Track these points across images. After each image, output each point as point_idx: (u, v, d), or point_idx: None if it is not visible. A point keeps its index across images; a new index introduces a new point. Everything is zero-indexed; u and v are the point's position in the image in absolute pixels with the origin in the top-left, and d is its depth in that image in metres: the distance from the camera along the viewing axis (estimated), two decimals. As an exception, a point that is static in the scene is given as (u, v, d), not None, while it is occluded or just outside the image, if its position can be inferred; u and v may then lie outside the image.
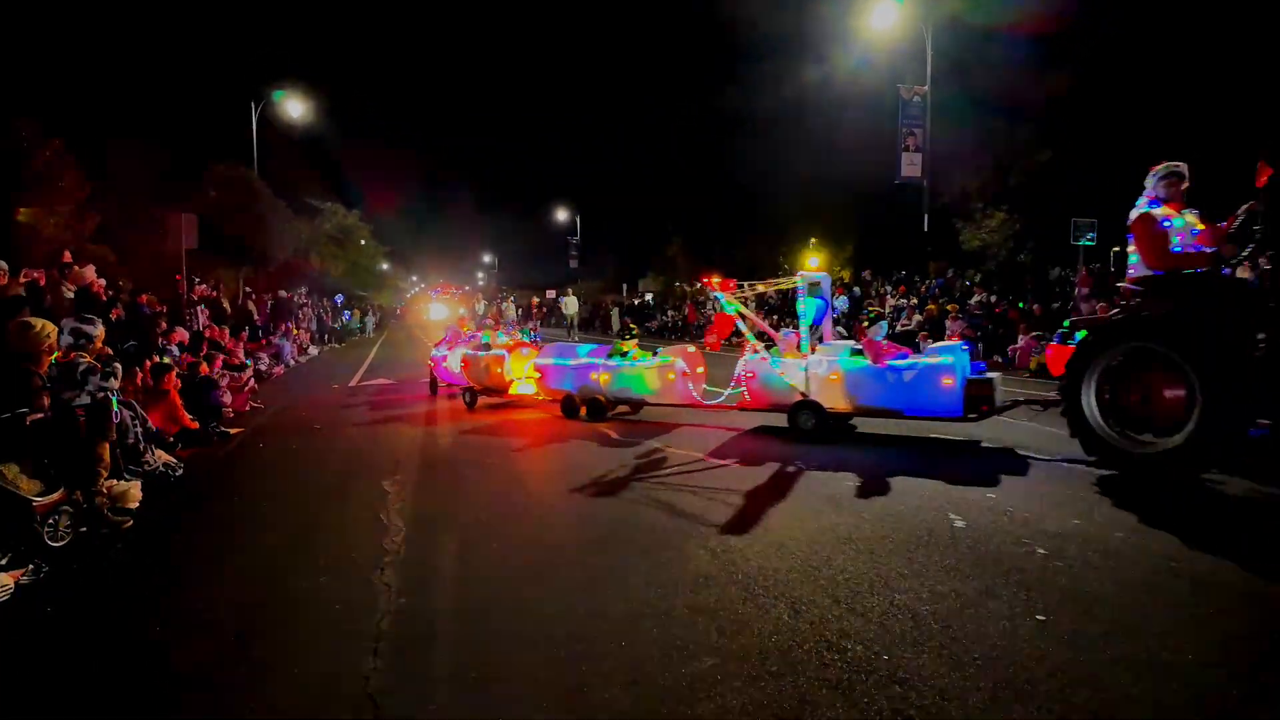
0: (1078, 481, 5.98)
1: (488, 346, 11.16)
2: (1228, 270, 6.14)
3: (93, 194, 18.30)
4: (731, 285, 8.93)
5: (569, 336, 26.83)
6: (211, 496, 6.57)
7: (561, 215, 55.67)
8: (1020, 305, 17.15)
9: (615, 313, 35.56)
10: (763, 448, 7.56)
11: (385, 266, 51.21)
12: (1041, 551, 4.34)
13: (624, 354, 9.64)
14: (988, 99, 23.92)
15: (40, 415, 5.08)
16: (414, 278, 75.21)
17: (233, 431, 9.27)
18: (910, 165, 22.93)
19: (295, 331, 22.02)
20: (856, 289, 24.14)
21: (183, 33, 30.86)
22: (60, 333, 5.79)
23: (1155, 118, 23.45)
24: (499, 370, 10.67)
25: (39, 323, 5.41)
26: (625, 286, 49.63)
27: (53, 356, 5.50)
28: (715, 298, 10.28)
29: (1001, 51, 23.37)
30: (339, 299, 35.07)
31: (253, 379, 12.24)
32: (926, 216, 23.33)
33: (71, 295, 9.81)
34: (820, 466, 6.65)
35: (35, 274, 9.92)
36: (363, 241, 41.39)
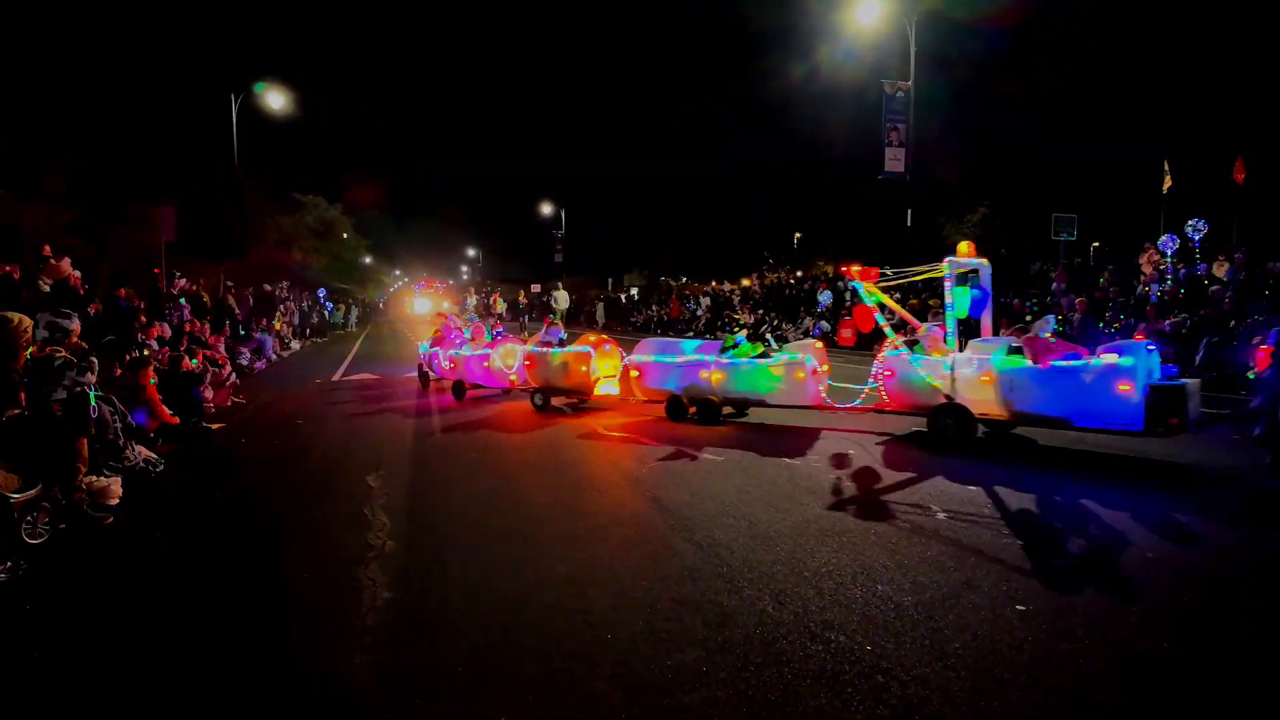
0: (1059, 475, 6.07)
1: (564, 342, 10.23)
2: None
3: (71, 188, 18.02)
4: (874, 274, 8.08)
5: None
6: (193, 493, 6.51)
7: (546, 209, 55.50)
8: (1000, 300, 17.32)
9: (600, 307, 35.53)
10: (748, 441, 7.59)
11: (368, 260, 50.85)
12: (1021, 543, 4.41)
13: (738, 349, 8.84)
14: (969, 93, 24.13)
15: (16, 411, 5.01)
16: (397, 271, 74.73)
17: (214, 427, 9.18)
18: (893, 160, 23.04)
19: (278, 325, 21.82)
20: (840, 283, 24.26)
21: (163, 25, 30.42)
22: (36, 326, 5.70)
23: (1135, 115, 23.74)
24: (583, 369, 9.52)
25: (15, 317, 5.33)
26: (610, 281, 49.62)
27: (28, 351, 5.42)
28: (853, 288, 9.30)
29: (982, 46, 23.57)
30: (322, 293, 34.78)
31: (234, 374, 12.12)
32: (909, 211, 23.47)
33: (49, 289, 9.67)
34: (804, 460, 6.70)
35: (8, 268, 9.77)
36: (344, 235, 41.05)
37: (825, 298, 22.78)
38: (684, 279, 41.29)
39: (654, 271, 45.86)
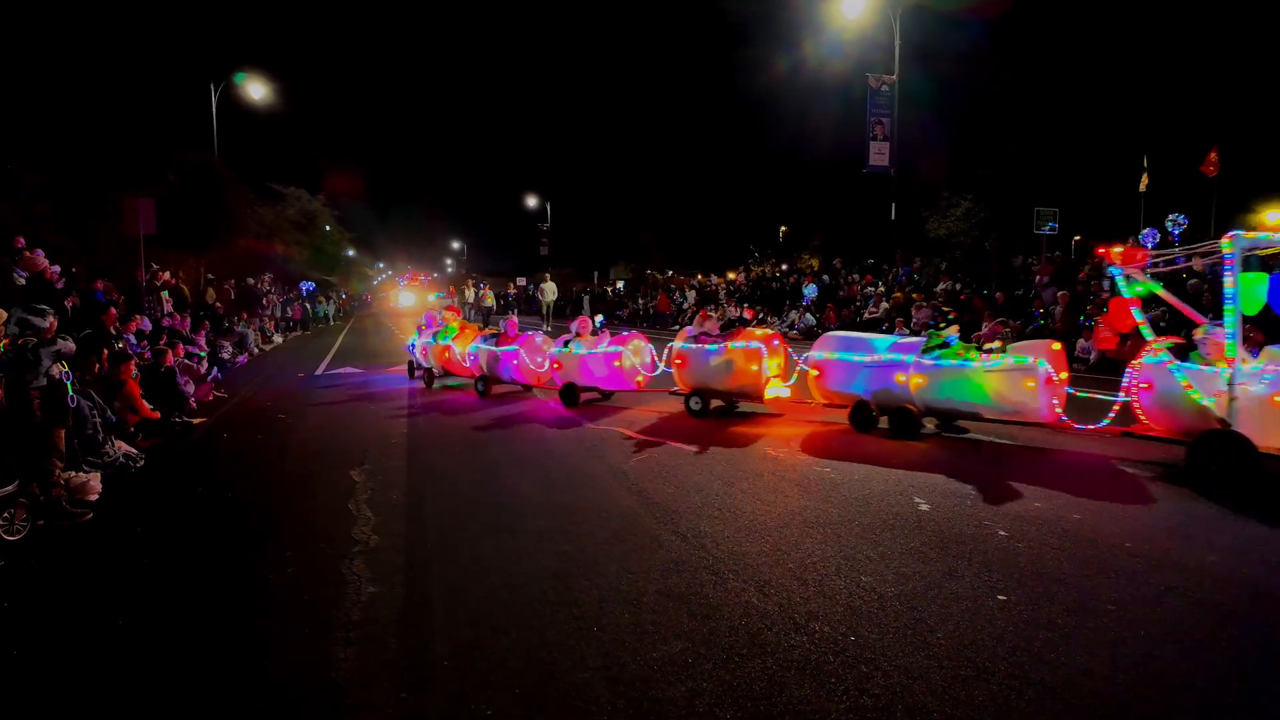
0: (1038, 466, 6.14)
1: (725, 338, 8.60)
2: None
3: (48, 180, 17.71)
4: (1141, 257, 6.34)
5: (545, 325, 26.23)
6: (174, 488, 6.45)
7: (531, 202, 55.27)
8: (984, 293, 17.47)
9: (585, 300, 35.46)
10: (732, 434, 7.62)
11: (351, 253, 50.39)
12: (1003, 534, 4.46)
13: (947, 350, 7.12)
14: (954, 88, 24.26)
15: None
16: (380, 264, 74.18)
17: (195, 421, 9.10)
18: (878, 154, 23.15)
19: (263, 318, 21.61)
20: (826, 276, 24.36)
21: (141, 14, 29.94)
22: (8, 322, 5.62)
23: (1113, 108, 23.96)
24: (753, 369, 8.16)
25: (-12, 310, 5.25)
26: (596, 274, 49.53)
27: (0, 345, 5.34)
28: (1111, 275, 6.96)
29: (966, 40, 23.69)
30: (311, 287, 34.43)
31: (216, 369, 12.00)
32: (894, 205, 23.59)
33: (24, 282, 9.52)
34: (788, 452, 6.74)
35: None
36: (327, 227, 40.64)
37: (810, 291, 22.86)
38: (670, 272, 41.29)
39: (640, 264, 45.82)
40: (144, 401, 8.12)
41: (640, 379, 9.66)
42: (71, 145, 19.68)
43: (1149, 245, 14.71)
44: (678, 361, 8.83)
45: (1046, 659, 3.01)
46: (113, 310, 10.57)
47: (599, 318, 10.89)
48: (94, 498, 5.63)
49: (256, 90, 26.13)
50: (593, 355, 9.56)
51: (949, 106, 24.84)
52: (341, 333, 28.03)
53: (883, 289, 20.72)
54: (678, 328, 25.39)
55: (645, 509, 5.16)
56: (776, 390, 8.38)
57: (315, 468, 6.83)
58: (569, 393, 9.63)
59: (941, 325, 7.60)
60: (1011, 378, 6.65)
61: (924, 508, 5.02)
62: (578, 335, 9.82)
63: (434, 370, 11.97)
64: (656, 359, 9.53)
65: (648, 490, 5.61)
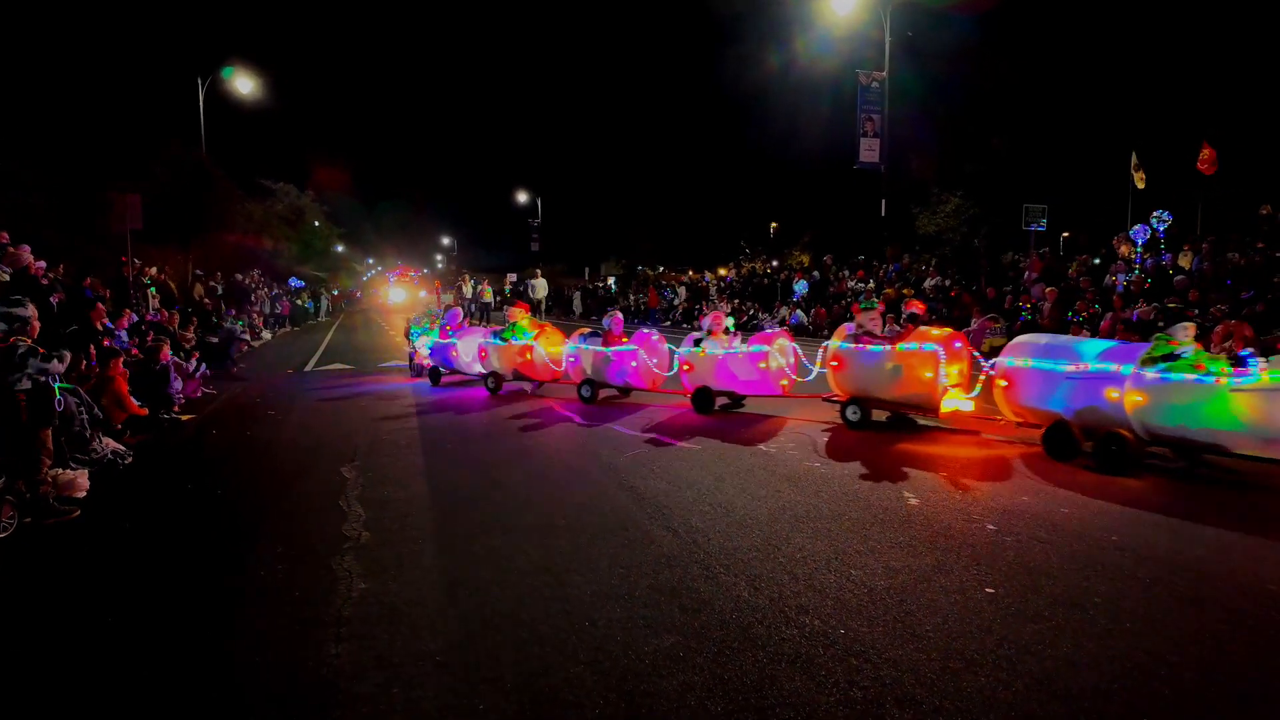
0: (1027, 461, 6.19)
1: (893, 338, 7.46)
2: None
3: (35, 174, 17.53)
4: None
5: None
6: (163, 485, 6.41)
7: (522, 198, 55.10)
8: (973, 289, 17.56)
9: (577, 296, 35.40)
10: (724, 431, 7.64)
11: (340, 249, 50.16)
12: (991, 527, 4.50)
13: (1178, 362, 5.65)
14: (944, 84, 24.35)
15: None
16: (370, 260, 73.87)
17: (184, 418, 9.05)
18: (868, 150, 23.19)
19: (252, 314, 21.48)
20: (816, 273, 24.42)
21: (128, 8, 29.64)
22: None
23: (1102, 104, 24.09)
24: (926, 375, 6.96)
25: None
26: (587, 270, 49.46)
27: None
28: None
29: (957, 36, 23.77)
30: (301, 283, 34.25)
31: (205, 365, 11.92)
32: (884, 201, 23.65)
33: (8, 278, 9.42)
34: (780, 449, 6.76)
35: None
36: (316, 223, 40.42)
37: (801, 287, 22.91)
38: (661, 268, 41.28)
39: (631, 260, 45.78)
40: (131, 399, 8.07)
41: (785, 383, 8.48)
42: (59, 140, 19.49)
43: (1139, 242, 14.84)
44: (834, 364, 7.68)
45: (1034, 651, 3.04)
46: (100, 306, 10.48)
47: (729, 319, 9.22)
48: (82, 495, 5.59)
49: (244, 84, 25.94)
50: (732, 356, 8.41)
51: (939, 103, 24.92)
52: (331, 329, 27.90)
53: (873, 285, 20.79)
54: (668, 324, 25.50)
55: (637, 505, 5.17)
56: (956, 402, 6.99)
57: (305, 464, 6.81)
58: (703, 398, 8.53)
59: (1168, 330, 5.96)
60: (1273, 401, 5.16)
61: (913, 502, 5.05)
62: (710, 333, 8.74)
63: (504, 374, 10.54)
64: (803, 359, 8.47)
65: (639, 486, 5.62)
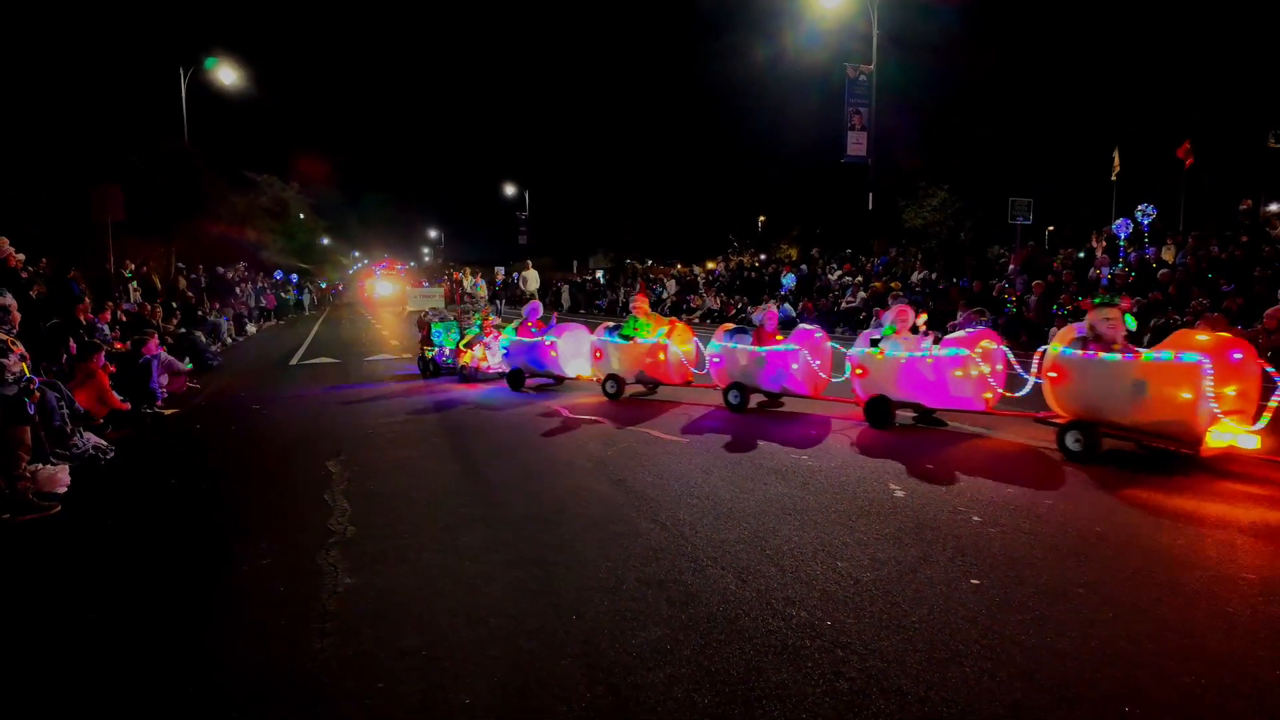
0: (1011, 453, 6.24)
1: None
2: None
3: (14, 165, 17.28)
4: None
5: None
6: (146, 480, 6.35)
7: (510, 191, 54.88)
8: (958, 282, 17.65)
9: (565, 290, 35.33)
10: (712, 424, 7.64)
11: (326, 241, 49.80)
12: (976, 519, 4.53)
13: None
14: (931, 77, 24.41)
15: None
16: (356, 253, 73.35)
17: (167, 413, 8.96)
18: (855, 144, 23.25)
19: (236, 307, 21.29)
20: (804, 266, 24.47)
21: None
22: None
23: (1088, 97, 24.23)
24: (1183, 396, 5.28)
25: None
26: (575, 263, 49.36)
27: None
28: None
29: (944, 29, 23.84)
30: (294, 277, 33.98)
31: (188, 359, 11.81)
32: (871, 195, 23.73)
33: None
34: (767, 441, 6.77)
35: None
36: (301, 215, 40.10)
37: (789, 281, 22.96)
38: (650, 261, 41.28)
39: (619, 254, 45.75)
40: (114, 393, 7.98)
41: (989, 395, 6.88)
42: (40, 132, 19.19)
43: (1121, 236, 14.97)
44: (1052, 374, 6.12)
45: (1018, 640, 3.06)
46: (86, 300, 10.36)
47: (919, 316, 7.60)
48: (62, 490, 5.53)
49: (228, 75, 25.65)
50: (919, 359, 6.96)
51: (926, 96, 25.02)
52: (317, 322, 27.70)
53: (860, 279, 20.86)
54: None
55: (624, 498, 5.16)
56: (1229, 435, 5.22)
57: (290, 459, 6.76)
58: (879, 410, 7.15)
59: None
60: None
61: (899, 494, 5.07)
62: (895, 331, 7.33)
63: (624, 377, 9.15)
64: (1017, 366, 6.78)
65: (627, 479, 5.62)
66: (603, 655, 3.05)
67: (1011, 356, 6.93)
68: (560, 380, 10.27)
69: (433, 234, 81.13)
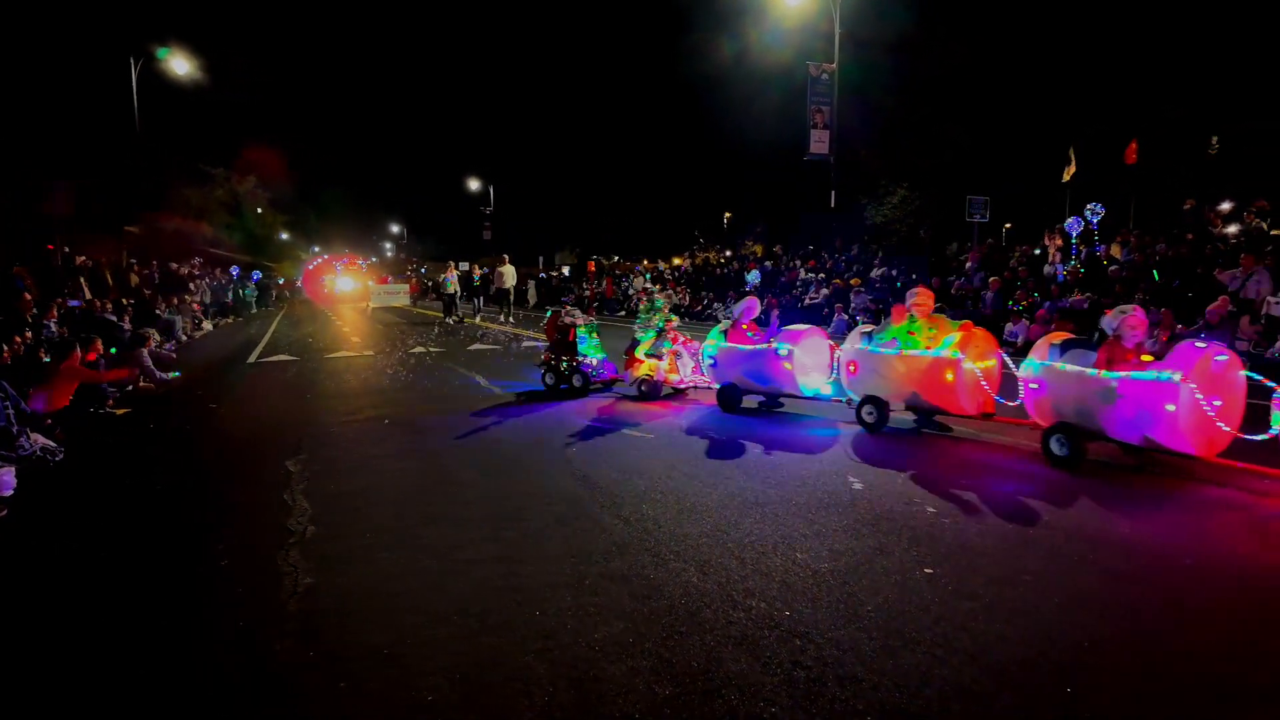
0: (965, 447, 6.40)
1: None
2: None
3: None
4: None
5: (503, 316, 22.25)
6: (98, 481, 6.19)
7: (474, 186, 54.33)
8: (917, 279, 17.99)
9: (531, 286, 35.13)
10: (678, 419, 7.70)
11: (285, 236, 48.83)
12: (930, 510, 4.65)
13: None
14: (892, 76, 24.77)
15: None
16: (316, 248, 71.99)
17: (118, 412, 8.73)
18: (818, 142, 23.52)
19: (189, 300, 20.78)
20: (769, 263, 24.69)
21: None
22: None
23: (1044, 96, 24.81)
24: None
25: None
26: (541, 259, 49.14)
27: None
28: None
29: (903, 29, 24.21)
30: (256, 274, 33.20)
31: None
32: (834, 193, 24.04)
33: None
34: (731, 437, 6.85)
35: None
36: (259, 210, 39.27)
37: (754, 277, 23.16)
38: (616, 258, 41.28)
39: (585, 251, 45.70)
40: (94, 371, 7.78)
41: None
42: None
43: (1073, 233, 15.40)
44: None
45: (968, 627, 3.17)
46: (27, 296, 10.03)
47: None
48: (8, 494, 5.37)
49: (181, 66, 24.96)
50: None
51: (887, 95, 25.38)
52: (275, 319, 27.15)
53: (823, 275, 21.13)
54: (623, 314, 25.40)
55: (588, 493, 5.19)
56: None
57: (249, 458, 6.65)
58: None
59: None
60: None
61: (858, 486, 5.18)
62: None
63: (888, 399, 6.87)
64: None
65: (591, 475, 5.65)
66: (565, 650, 3.08)
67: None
68: (778, 400, 8.12)
69: (395, 229, 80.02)
